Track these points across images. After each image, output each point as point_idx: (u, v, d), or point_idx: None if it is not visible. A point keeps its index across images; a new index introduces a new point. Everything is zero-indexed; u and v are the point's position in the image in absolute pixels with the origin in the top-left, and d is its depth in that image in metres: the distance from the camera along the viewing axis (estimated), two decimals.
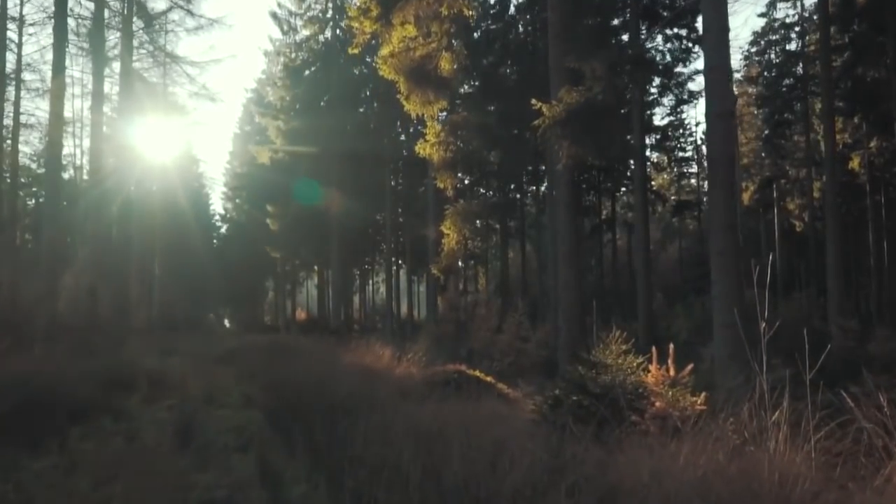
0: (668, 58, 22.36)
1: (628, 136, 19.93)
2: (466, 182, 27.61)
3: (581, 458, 3.11)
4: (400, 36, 12.45)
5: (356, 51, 13.73)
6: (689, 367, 5.76)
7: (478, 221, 25.85)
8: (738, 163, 29.11)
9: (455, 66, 12.86)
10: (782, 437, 3.68)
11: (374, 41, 22.11)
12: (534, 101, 9.79)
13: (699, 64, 32.28)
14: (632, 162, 28.24)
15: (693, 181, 42.39)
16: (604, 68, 8.71)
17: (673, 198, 40.14)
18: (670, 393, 5.78)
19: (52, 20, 17.04)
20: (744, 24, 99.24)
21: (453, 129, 16.78)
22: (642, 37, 18.15)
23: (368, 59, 29.05)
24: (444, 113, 19.01)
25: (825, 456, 3.63)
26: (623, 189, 34.74)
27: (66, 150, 34.45)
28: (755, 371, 4.15)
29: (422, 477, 3.30)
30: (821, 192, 28.40)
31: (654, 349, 5.81)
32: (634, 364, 5.93)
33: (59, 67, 16.83)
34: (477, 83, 24.83)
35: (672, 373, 5.66)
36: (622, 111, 18.85)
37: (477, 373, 9.51)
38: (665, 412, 5.50)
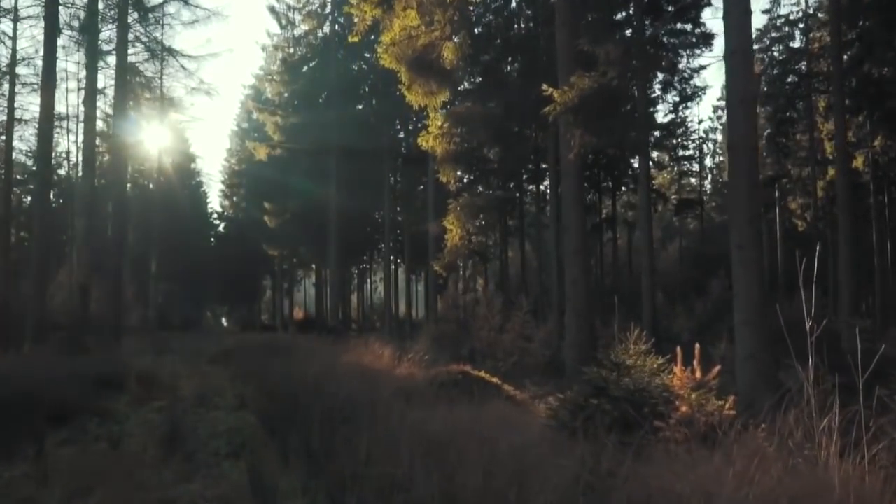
0: (672, 54, 21.96)
1: (633, 133, 19.54)
2: (465, 181, 27.23)
3: (625, 476, 2.69)
4: (402, 24, 12.00)
5: (356, 39, 13.28)
6: (717, 368, 5.36)
7: (479, 219, 25.43)
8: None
9: (458, 57, 12.42)
10: (835, 449, 3.28)
11: (373, 36, 21.68)
12: (545, 86, 9.35)
13: (703, 59, 31.80)
14: (633, 160, 27.91)
15: (693, 180, 42.10)
16: (619, 52, 8.29)
17: (674, 197, 39.86)
18: (693, 396, 5.39)
19: (44, 10, 16.60)
20: None
21: (457, 120, 16.32)
22: (646, 32, 17.74)
23: (367, 55, 28.63)
24: (443, 110, 18.58)
25: (885, 470, 3.23)
26: (623, 188, 34.39)
27: (61, 147, 34.00)
28: (799, 373, 3.75)
29: (437, 499, 2.88)
30: (824, 191, 28.07)
31: (678, 349, 5.41)
32: (655, 365, 5.54)
33: (50, 59, 16.38)
34: (478, 79, 24.44)
35: (698, 375, 5.27)
36: (627, 107, 18.49)
37: (482, 373, 9.09)
38: (691, 417, 5.11)
